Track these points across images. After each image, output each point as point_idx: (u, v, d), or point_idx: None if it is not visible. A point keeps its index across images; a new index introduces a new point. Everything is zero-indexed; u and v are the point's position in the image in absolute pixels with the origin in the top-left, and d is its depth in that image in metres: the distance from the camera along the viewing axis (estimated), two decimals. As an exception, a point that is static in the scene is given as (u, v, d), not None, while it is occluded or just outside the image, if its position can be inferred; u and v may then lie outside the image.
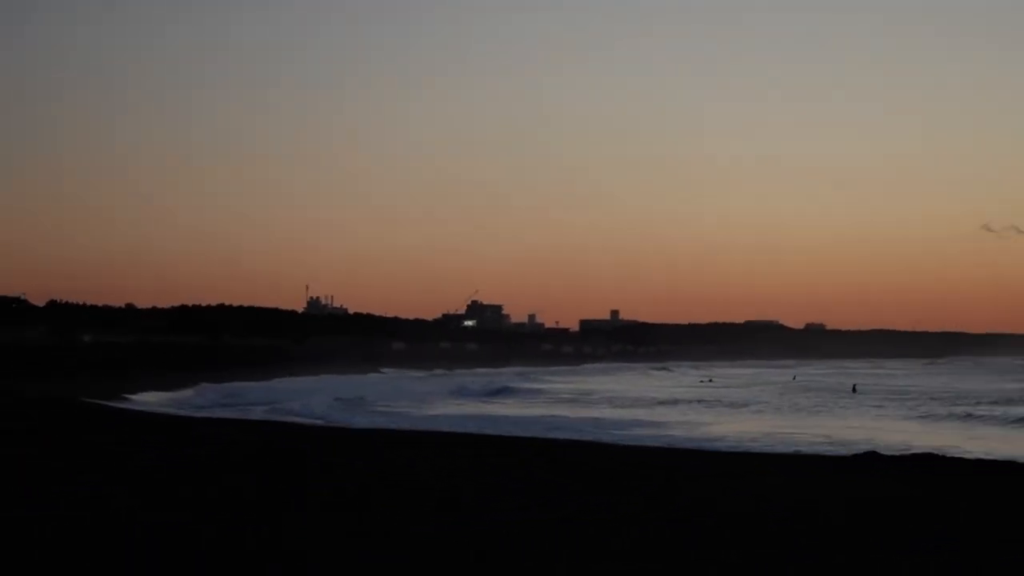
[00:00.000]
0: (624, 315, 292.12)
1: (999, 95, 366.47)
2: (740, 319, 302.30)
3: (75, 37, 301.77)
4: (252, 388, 72.31)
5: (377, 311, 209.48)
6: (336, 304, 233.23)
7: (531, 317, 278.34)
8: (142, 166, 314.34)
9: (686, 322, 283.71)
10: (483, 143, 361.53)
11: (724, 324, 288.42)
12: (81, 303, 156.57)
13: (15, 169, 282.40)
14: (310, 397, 61.42)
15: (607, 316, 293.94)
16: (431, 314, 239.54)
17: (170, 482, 18.89)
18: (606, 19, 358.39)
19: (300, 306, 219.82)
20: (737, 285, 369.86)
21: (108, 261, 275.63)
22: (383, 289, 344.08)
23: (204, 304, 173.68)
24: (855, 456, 28.39)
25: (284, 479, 19.87)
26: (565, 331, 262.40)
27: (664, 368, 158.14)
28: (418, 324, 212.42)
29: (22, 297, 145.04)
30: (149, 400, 57.86)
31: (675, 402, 68.18)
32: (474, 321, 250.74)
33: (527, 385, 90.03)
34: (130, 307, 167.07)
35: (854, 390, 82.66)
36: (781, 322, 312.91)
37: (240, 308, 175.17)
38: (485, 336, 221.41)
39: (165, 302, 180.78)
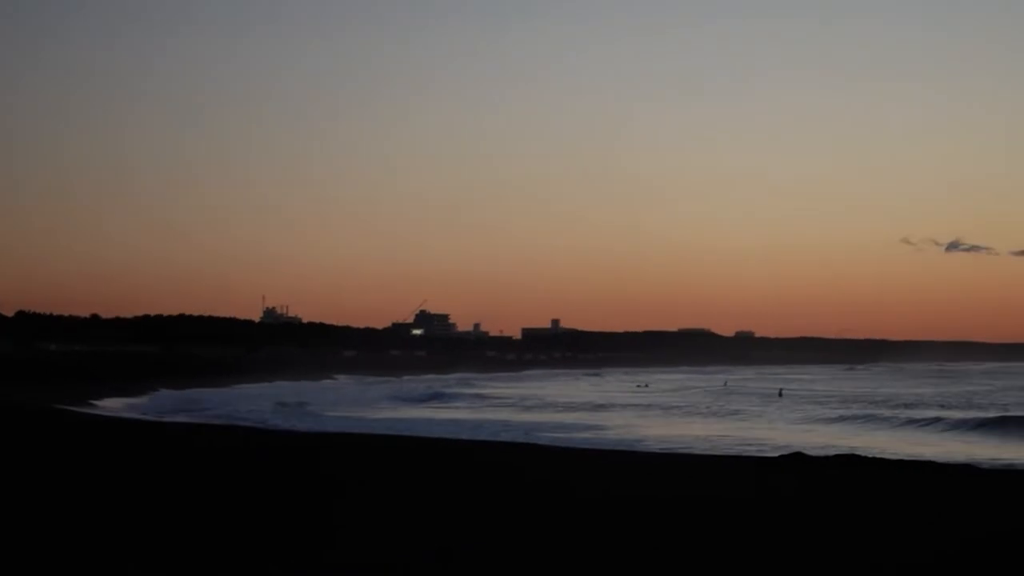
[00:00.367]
0: (564, 323, 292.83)
1: (921, 116, 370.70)
2: (674, 327, 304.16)
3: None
4: (207, 394, 72.31)
5: (330, 320, 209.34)
6: (291, 314, 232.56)
7: (476, 326, 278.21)
8: (94, 182, 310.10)
9: (623, 330, 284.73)
10: (431, 159, 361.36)
11: (659, 332, 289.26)
12: (48, 313, 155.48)
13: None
14: (254, 402, 62.12)
15: (548, 324, 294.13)
16: (382, 323, 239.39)
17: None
18: (547, 37, 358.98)
19: (257, 316, 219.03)
20: (671, 295, 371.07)
21: (75, 272, 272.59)
22: (336, 299, 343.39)
23: (165, 314, 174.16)
24: (782, 457, 28.17)
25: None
26: (508, 339, 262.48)
27: (597, 374, 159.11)
28: (369, 333, 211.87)
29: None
30: (112, 406, 58.12)
31: (612, 406, 68.07)
32: (422, 330, 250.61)
33: (462, 390, 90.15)
34: (95, 317, 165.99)
35: (780, 395, 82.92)
36: (712, 330, 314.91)
37: (200, 318, 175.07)
38: (433, 344, 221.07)
39: (129, 312, 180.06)
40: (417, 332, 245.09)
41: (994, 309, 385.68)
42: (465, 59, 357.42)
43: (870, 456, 27.49)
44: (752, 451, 34.87)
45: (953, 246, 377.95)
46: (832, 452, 29.48)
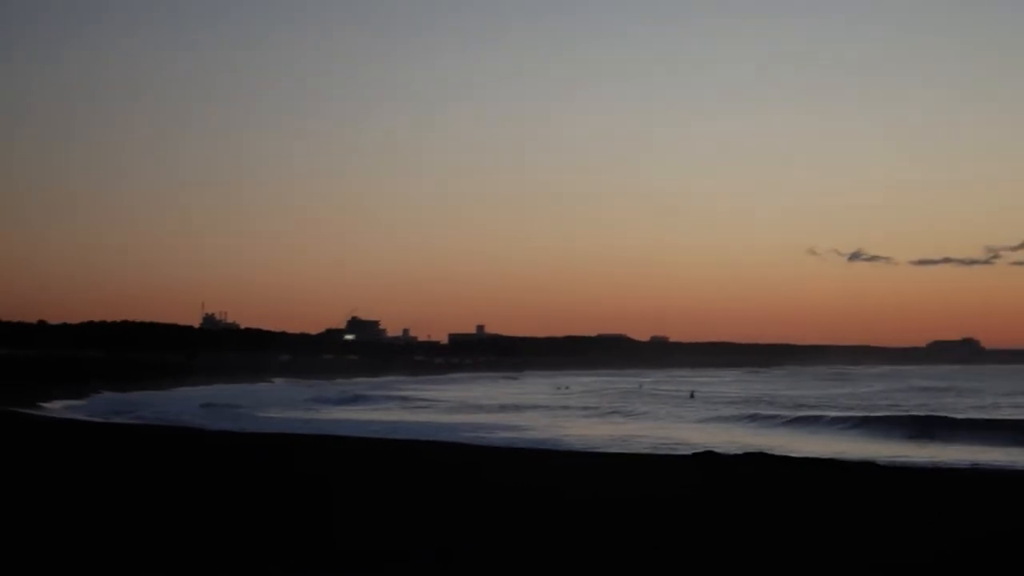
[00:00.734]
0: (489, 329, 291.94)
1: (829, 136, 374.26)
2: (592, 332, 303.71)
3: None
4: (145, 398, 71.56)
5: (267, 326, 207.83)
6: (229, 320, 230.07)
7: (405, 331, 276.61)
8: (39, 195, 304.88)
9: (545, 335, 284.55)
10: (359, 167, 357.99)
11: (577, 337, 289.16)
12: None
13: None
14: (189, 405, 62.34)
15: (473, 330, 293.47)
16: (315, 329, 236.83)
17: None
18: (470, 46, 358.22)
19: (196, 322, 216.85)
20: (589, 301, 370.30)
21: (22, 281, 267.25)
22: (272, 306, 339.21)
23: (110, 320, 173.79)
24: (695, 455, 28.29)
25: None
26: (436, 344, 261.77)
27: (515, 377, 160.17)
28: (303, 338, 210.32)
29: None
30: (58, 408, 57.89)
31: (534, 407, 68.13)
32: (354, 335, 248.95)
33: (383, 393, 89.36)
34: (42, 323, 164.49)
35: (692, 396, 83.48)
36: (628, 335, 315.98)
37: (142, 324, 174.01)
38: (365, 349, 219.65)
39: (75, 318, 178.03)
40: (349, 337, 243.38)
41: (892, 316, 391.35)
42: (398, 67, 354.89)
43: (776, 455, 27.73)
44: (665, 450, 35.01)
45: (855, 256, 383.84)
46: (740, 450, 29.68)
